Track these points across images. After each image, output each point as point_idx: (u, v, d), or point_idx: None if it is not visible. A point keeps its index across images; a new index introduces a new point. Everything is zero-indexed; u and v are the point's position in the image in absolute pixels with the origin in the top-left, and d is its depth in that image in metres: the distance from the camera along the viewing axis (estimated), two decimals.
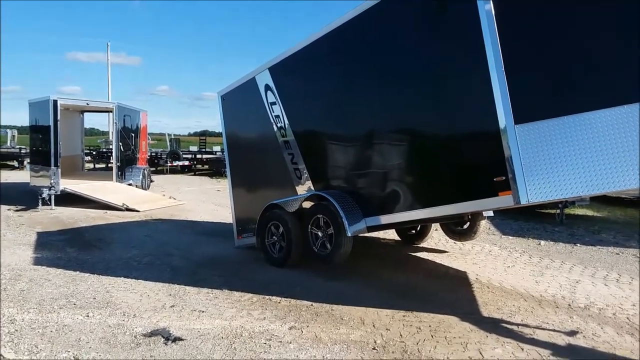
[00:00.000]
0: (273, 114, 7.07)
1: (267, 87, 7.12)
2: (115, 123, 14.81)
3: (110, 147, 15.54)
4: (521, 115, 4.08)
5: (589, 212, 11.75)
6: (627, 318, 4.88)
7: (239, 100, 8.05)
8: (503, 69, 4.09)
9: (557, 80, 4.36)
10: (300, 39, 6.44)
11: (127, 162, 15.55)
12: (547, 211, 11.09)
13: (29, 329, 4.43)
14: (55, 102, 12.96)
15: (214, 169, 23.78)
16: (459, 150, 4.71)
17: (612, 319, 4.84)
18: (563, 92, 4.35)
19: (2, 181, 18.50)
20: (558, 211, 10.45)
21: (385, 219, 5.55)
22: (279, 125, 6.99)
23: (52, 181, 12.52)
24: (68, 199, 12.63)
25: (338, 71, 6.14)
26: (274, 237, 6.78)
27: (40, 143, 13.85)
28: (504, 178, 4.12)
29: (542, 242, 8.50)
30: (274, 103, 7.04)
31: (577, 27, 4.37)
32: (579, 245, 8.30)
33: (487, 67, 4.13)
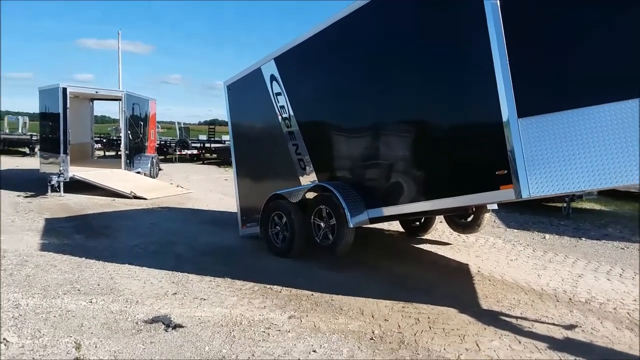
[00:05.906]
0: (278, 105, 7.07)
1: (273, 78, 7.12)
2: (124, 111, 14.91)
3: (120, 134, 15.68)
4: (525, 109, 4.05)
5: (597, 206, 11.66)
6: (628, 313, 4.86)
7: (245, 90, 8.06)
8: (507, 62, 4.05)
9: (561, 74, 4.31)
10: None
11: (136, 150, 15.68)
12: (554, 204, 11.02)
13: (33, 313, 4.52)
14: (64, 89, 13.08)
15: (223, 158, 23.86)
16: (462, 143, 4.68)
17: (612, 314, 4.82)
18: (567, 85, 4.30)
19: (13, 167, 18.74)
20: (565, 204, 10.38)
21: (387, 210, 5.55)
22: (283, 115, 7.00)
23: (61, 168, 12.66)
24: (77, 186, 12.76)
25: (342, 63, 6.12)
26: (277, 227, 6.82)
27: (50, 130, 13.99)
28: (505, 172, 4.10)
29: (547, 236, 8.46)
30: (279, 93, 7.04)
31: (583, 20, 4.32)
32: (584, 239, 8.25)
33: (491, 59, 4.10)
